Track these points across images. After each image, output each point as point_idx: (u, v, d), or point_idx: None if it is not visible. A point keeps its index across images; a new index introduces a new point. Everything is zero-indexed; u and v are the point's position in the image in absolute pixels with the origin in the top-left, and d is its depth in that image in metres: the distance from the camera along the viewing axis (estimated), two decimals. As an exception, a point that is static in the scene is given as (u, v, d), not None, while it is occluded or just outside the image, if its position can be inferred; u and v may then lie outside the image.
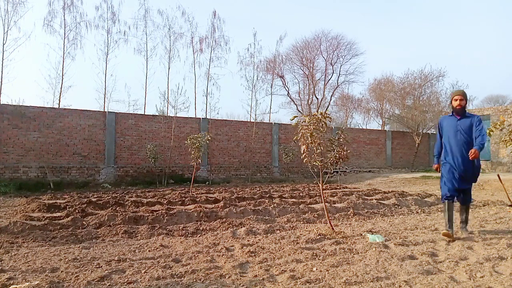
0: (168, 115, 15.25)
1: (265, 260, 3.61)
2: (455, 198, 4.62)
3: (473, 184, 4.81)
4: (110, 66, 26.37)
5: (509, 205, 7.27)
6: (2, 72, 13.60)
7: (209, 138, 10.02)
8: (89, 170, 12.65)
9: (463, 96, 4.72)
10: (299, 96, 26.62)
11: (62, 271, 3.25)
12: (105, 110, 14.58)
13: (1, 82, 13.55)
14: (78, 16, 16.16)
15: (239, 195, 8.93)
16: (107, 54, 16.79)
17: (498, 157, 17.05)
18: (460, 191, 4.63)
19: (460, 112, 4.68)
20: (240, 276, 3.16)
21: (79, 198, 8.59)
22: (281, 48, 41.51)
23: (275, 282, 3.02)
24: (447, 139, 4.73)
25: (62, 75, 15.52)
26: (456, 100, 4.72)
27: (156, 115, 14.61)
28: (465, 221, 4.84)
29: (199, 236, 4.82)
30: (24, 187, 10.89)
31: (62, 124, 12.33)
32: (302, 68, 26.08)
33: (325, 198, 6.08)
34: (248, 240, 4.47)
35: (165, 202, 7.73)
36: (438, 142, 4.97)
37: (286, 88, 25.96)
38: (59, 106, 14.82)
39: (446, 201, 4.59)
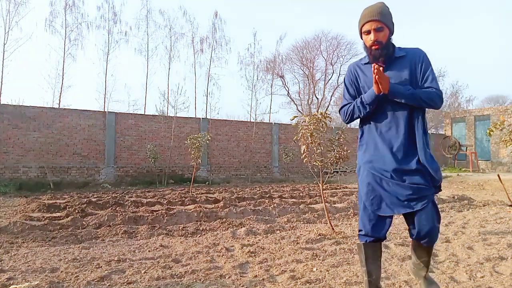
0: (168, 115, 15.25)
1: (265, 260, 3.61)
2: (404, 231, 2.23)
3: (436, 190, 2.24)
4: (110, 66, 26.37)
5: (509, 205, 7.27)
6: (2, 72, 13.61)
7: (209, 138, 10.01)
8: (89, 170, 12.65)
9: (382, 19, 2.15)
10: (299, 96, 26.72)
11: (62, 271, 3.25)
12: (105, 110, 14.58)
13: (2, 82, 13.56)
14: (80, 17, 16.22)
15: (239, 195, 8.93)
16: (108, 54, 16.83)
17: (498, 157, 17.04)
18: (408, 216, 2.22)
19: (381, 55, 2.18)
20: (240, 276, 3.16)
21: (79, 198, 8.58)
22: (281, 48, 41.68)
23: (275, 282, 3.01)
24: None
25: (63, 75, 15.56)
26: (369, 32, 2.18)
27: (156, 115, 14.60)
28: (423, 264, 2.36)
29: (199, 236, 4.81)
30: (24, 187, 10.89)
31: (62, 124, 12.32)
32: (302, 68, 26.19)
33: (325, 198, 6.08)
34: (248, 240, 4.47)
35: (165, 202, 7.73)
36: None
37: (286, 88, 26.05)
38: (59, 106, 14.84)
39: (362, 242, 2.31)
